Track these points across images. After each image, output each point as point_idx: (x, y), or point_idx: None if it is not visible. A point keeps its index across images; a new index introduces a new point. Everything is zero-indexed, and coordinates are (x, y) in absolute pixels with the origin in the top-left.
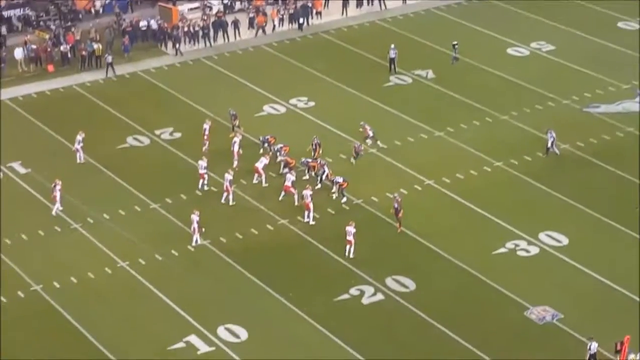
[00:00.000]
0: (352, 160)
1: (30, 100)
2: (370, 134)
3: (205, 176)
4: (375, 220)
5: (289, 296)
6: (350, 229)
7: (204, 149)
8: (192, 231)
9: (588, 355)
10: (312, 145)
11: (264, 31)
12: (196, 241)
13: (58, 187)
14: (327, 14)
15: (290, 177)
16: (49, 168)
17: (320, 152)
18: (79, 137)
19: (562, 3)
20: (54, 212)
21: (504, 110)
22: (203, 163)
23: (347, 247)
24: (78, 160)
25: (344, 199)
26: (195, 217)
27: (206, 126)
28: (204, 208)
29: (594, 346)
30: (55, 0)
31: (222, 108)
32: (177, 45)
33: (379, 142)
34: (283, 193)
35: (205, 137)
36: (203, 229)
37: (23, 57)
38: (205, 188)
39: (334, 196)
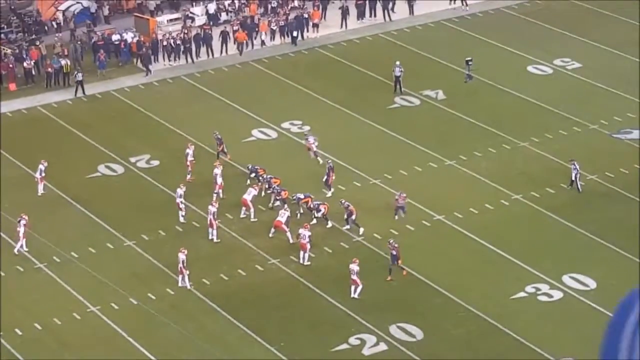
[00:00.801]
0: (396, 216)
1: None
2: (314, 147)
3: (182, 206)
4: (377, 260)
5: (280, 346)
6: (354, 267)
7: (188, 177)
8: (178, 271)
9: None
10: (327, 169)
11: (251, 45)
12: (185, 284)
13: (23, 222)
14: (325, 26)
15: (285, 213)
16: (10, 201)
17: (333, 178)
18: (41, 167)
19: (589, 15)
20: (16, 251)
21: (524, 136)
22: (180, 191)
23: (352, 287)
24: (38, 193)
25: (362, 230)
26: (182, 256)
27: (189, 151)
28: (185, 245)
29: None
30: (18, 10)
31: (205, 132)
32: (148, 64)
33: (319, 159)
34: (273, 230)
35: (188, 163)
36: (187, 272)
37: None
38: (182, 220)
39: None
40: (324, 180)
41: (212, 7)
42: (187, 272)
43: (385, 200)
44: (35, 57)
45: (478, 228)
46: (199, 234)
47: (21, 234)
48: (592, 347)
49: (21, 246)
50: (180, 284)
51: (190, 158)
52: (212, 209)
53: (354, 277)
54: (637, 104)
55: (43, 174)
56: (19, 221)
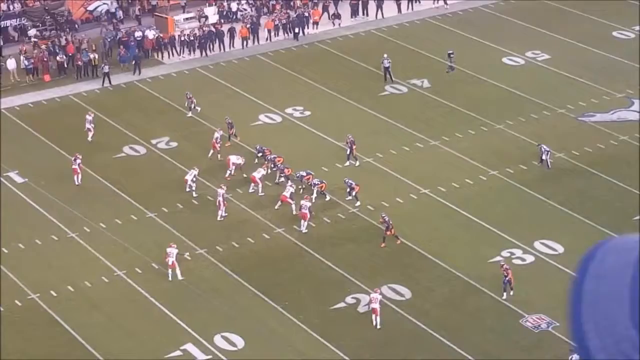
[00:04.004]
0: (504, 294)
1: (27, 110)
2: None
3: (194, 186)
4: (371, 228)
5: (285, 304)
6: (376, 296)
7: (210, 154)
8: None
9: None
10: (347, 143)
11: (257, 40)
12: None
13: (79, 161)
14: (322, 23)
15: (290, 189)
16: (46, 177)
17: (355, 151)
18: (89, 117)
19: (557, 13)
20: (77, 183)
21: (500, 119)
22: (194, 172)
23: (374, 316)
24: (89, 138)
25: (358, 203)
26: (173, 251)
27: (217, 135)
28: (200, 217)
29: (575, 358)
30: (51, 10)
31: (218, 117)
32: (139, 64)
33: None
34: (280, 203)
35: (218, 146)
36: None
37: (16, 67)
38: (194, 194)
39: (348, 198)
40: (347, 153)
41: (234, 5)
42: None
43: (378, 176)
44: (72, 51)
45: (459, 200)
46: (212, 207)
47: (79, 170)
48: (561, 304)
49: (79, 181)
50: (170, 277)
51: (219, 141)
52: (221, 191)
53: (375, 305)
54: (598, 90)
55: (92, 124)
56: (75, 160)
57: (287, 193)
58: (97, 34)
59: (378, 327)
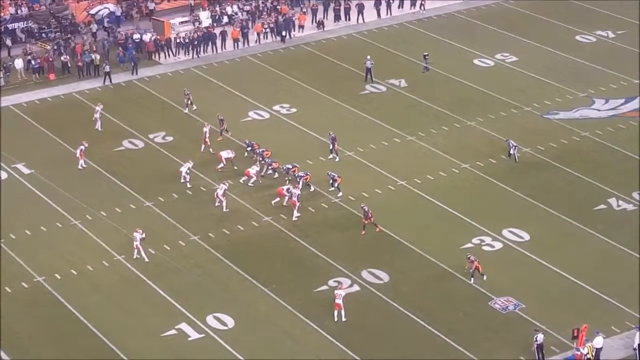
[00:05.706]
0: (472, 279)
1: (33, 106)
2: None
3: (188, 178)
4: (352, 217)
5: (272, 287)
6: (340, 292)
7: (202, 149)
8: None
9: (535, 346)
10: (329, 140)
11: (247, 42)
12: (142, 256)
13: (82, 147)
14: (307, 27)
15: (287, 186)
16: (51, 168)
17: (337, 147)
18: (98, 108)
19: (524, 18)
20: (79, 167)
21: (471, 116)
22: (188, 165)
23: (336, 311)
24: (98, 127)
25: (340, 194)
26: (138, 236)
27: (206, 129)
28: (194, 206)
29: (540, 337)
30: (56, 14)
31: (211, 114)
32: (136, 66)
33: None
34: (278, 198)
35: (207, 140)
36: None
37: (23, 66)
38: (189, 185)
39: (331, 188)
40: (329, 148)
41: (229, 10)
42: (141, 248)
43: (358, 168)
44: (79, 50)
45: (434, 191)
46: (205, 196)
47: (79, 155)
48: (526, 288)
49: (81, 165)
50: (135, 256)
51: (207, 136)
52: (224, 186)
53: (339, 301)
54: (562, 90)
55: (100, 113)
56: (80, 147)
57: (284, 187)
58: (94, 36)
59: (335, 320)
